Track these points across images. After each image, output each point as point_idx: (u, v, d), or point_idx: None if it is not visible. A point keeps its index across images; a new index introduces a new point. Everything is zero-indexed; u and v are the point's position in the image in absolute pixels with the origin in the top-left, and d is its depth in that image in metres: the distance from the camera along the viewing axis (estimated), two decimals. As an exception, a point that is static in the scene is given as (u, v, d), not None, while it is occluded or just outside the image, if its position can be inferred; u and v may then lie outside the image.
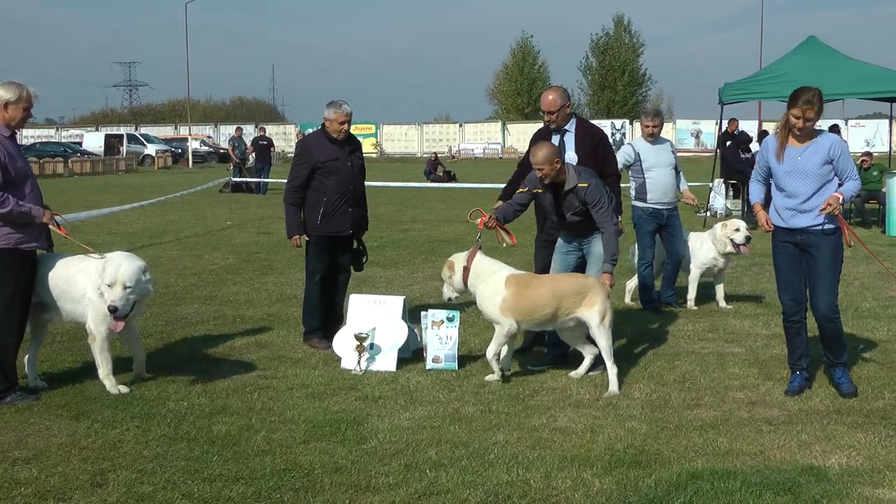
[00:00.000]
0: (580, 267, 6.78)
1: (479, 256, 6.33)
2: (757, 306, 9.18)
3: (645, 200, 9.01)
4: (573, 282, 6.31)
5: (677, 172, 9.24)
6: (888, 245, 13.93)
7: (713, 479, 4.49)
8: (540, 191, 6.56)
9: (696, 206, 10.22)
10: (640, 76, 78.78)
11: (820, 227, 5.87)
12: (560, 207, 6.57)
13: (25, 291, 5.94)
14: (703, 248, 9.27)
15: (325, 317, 7.55)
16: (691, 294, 9.23)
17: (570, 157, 6.95)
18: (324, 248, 7.51)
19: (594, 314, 6.18)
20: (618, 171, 7.28)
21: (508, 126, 67.59)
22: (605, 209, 6.40)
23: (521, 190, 6.68)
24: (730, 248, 9.17)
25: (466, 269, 6.28)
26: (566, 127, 7.06)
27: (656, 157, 9.05)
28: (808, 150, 5.88)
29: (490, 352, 6.27)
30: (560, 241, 6.87)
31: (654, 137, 9.11)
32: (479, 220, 6.53)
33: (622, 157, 8.90)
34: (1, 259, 5.81)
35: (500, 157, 61.04)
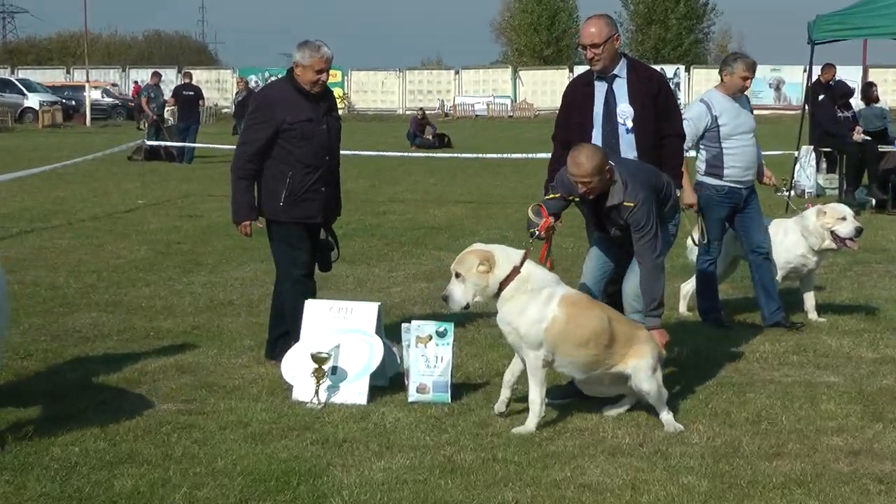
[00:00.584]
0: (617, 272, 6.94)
1: (531, 262, 6.36)
2: (860, 320, 9.19)
3: (721, 177, 8.77)
4: (627, 327, 6.46)
5: (753, 138, 9.17)
6: None
7: (800, 555, 4.49)
8: (576, 199, 6.66)
9: (775, 186, 9.89)
10: (701, 6, 79.00)
11: None
12: (601, 219, 6.72)
13: None
14: (789, 242, 9.20)
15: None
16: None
17: (624, 109, 6.96)
18: (303, 235, 7.52)
19: (644, 364, 6.30)
20: (682, 129, 7.27)
21: (521, 73, 67.53)
22: (650, 237, 6.50)
23: (551, 196, 6.73)
24: (828, 243, 9.06)
25: (516, 271, 6.27)
26: (615, 70, 7.02)
27: (738, 119, 8.84)
28: None
29: (538, 395, 6.25)
30: (598, 234, 6.98)
31: (743, 93, 8.97)
32: (543, 222, 6.57)
33: (693, 125, 8.59)
34: None
35: (511, 115, 60.81)
